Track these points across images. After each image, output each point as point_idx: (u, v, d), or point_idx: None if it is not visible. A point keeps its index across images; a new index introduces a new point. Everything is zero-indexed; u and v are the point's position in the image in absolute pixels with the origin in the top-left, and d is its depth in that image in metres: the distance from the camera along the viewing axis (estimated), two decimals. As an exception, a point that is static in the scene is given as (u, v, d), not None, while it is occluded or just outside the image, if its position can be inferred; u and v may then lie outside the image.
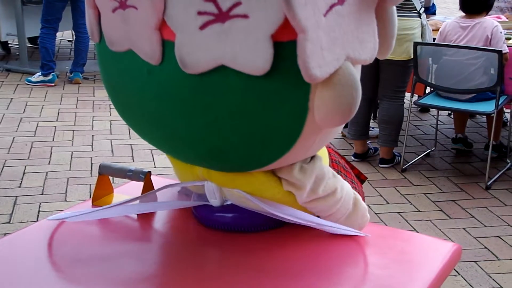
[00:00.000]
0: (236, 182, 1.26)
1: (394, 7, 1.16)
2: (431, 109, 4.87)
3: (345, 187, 1.31)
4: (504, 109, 4.17)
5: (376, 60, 1.27)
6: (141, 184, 1.43)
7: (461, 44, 3.69)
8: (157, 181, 1.47)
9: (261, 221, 1.33)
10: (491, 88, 3.56)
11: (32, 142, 4.14)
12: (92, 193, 1.49)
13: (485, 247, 2.94)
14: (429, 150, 4.19)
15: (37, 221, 2.90)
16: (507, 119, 4.56)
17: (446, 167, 3.96)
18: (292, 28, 0.97)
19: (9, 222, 3.03)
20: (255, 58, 1.00)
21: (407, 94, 4.07)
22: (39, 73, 5.49)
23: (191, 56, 1.03)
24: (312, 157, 1.27)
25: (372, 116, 4.41)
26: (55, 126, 4.47)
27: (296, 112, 1.08)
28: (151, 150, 3.99)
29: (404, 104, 3.93)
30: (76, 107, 4.94)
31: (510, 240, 3.02)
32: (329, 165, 1.41)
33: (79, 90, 5.39)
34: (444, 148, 4.28)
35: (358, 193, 1.40)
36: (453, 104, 3.76)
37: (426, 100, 3.88)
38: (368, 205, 1.42)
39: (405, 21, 3.63)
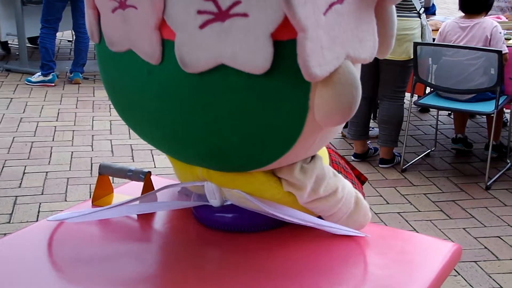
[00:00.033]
0: (236, 182, 1.26)
1: (394, 7, 1.16)
2: (431, 109, 4.87)
3: (346, 186, 1.31)
4: (504, 109, 4.17)
5: (376, 60, 1.27)
6: (141, 184, 1.43)
7: (460, 44, 3.69)
8: (157, 181, 1.47)
9: (261, 221, 1.33)
10: (491, 88, 3.56)
11: (32, 142, 4.14)
12: (92, 193, 1.49)
13: (485, 247, 2.94)
14: (429, 150, 4.19)
15: (37, 221, 2.90)
16: (507, 119, 4.56)
17: (446, 167, 3.96)
18: (292, 27, 0.97)
19: (9, 222, 3.03)
20: (255, 57, 1.00)
21: (407, 94, 4.07)
22: (39, 73, 5.49)
23: (191, 55, 1.03)
24: (313, 157, 1.26)
25: (372, 116, 4.41)
26: (55, 126, 4.47)
27: (296, 111, 1.08)
28: (151, 150, 3.99)
29: (404, 104, 3.93)
30: (76, 107, 4.94)
31: (510, 240, 3.02)
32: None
33: (79, 90, 5.39)
34: (444, 148, 4.28)
35: (359, 193, 1.40)
36: (453, 104, 3.76)
37: (426, 100, 3.88)
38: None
39: (405, 21, 3.63)
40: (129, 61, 1.14)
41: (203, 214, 1.36)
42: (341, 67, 1.04)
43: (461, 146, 4.17)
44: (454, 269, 2.67)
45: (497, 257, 2.86)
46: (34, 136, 4.26)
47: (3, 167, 3.71)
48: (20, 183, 3.49)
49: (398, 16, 1.20)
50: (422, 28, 3.72)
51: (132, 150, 4.05)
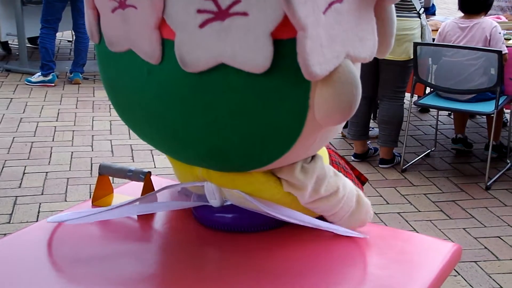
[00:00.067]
0: (235, 183, 1.26)
1: (393, 6, 1.16)
2: (431, 110, 4.87)
3: (347, 185, 1.31)
4: (504, 109, 4.17)
5: (376, 59, 1.27)
6: (141, 184, 1.43)
7: (460, 45, 3.69)
8: (157, 181, 1.47)
9: (261, 221, 1.32)
10: (491, 88, 3.56)
11: (32, 142, 4.14)
12: (92, 193, 1.49)
13: (485, 247, 2.94)
14: (429, 151, 4.19)
15: (37, 221, 2.90)
16: (507, 119, 4.56)
17: (446, 167, 3.96)
18: (291, 25, 0.97)
19: (9, 222, 3.03)
20: (255, 56, 1.00)
21: (407, 95, 4.07)
22: (39, 73, 5.49)
23: (191, 54, 1.03)
24: (313, 157, 1.26)
25: (372, 117, 4.41)
26: (55, 126, 4.47)
27: (296, 110, 1.08)
28: (151, 150, 3.99)
29: (404, 105, 3.93)
30: (76, 107, 4.94)
31: (510, 240, 3.02)
32: (329, 165, 1.41)
33: (79, 90, 5.39)
34: (444, 148, 4.28)
35: (359, 194, 1.40)
36: (453, 104, 3.77)
37: (426, 101, 3.88)
38: (368, 205, 1.42)
39: (405, 21, 3.63)
40: (129, 61, 1.14)
41: (203, 214, 1.36)
42: (341, 66, 1.04)
43: (461, 146, 4.17)
44: (454, 269, 2.67)
45: (497, 257, 2.86)
46: (34, 136, 4.26)
47: (3, 167, 3.71)
48: (20, 183, 3.49)
49: (398, 16, 1.20)
50: (422, 28, 3.72)
51: (132, 150, 4.05)
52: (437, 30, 3.98)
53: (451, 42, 3.73)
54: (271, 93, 1.06)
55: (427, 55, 3.72)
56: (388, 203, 3.40)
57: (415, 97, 4.06)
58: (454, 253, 1.32)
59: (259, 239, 1.31)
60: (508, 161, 3.99)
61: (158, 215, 1.43)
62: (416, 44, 3.62)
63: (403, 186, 3.64)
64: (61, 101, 5.09)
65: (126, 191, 1.53)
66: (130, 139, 4.22)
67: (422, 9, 3.71)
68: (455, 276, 2.68)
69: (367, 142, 4.06)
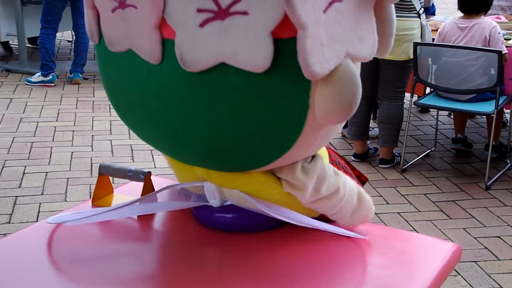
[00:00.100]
0: (235, 183, 1.26)
1: (393, 6, 1.16)
2: (431, 110, 4.87)
3: (347, 183, 1.31)
4: (504, 109, 4.17)
5: (376, 59, 1.28)
6: (141, 184, 1.43)
7: (460, 45, 3.69)
8: (157, 182, 1.47)
9: (261, 221, 1.32)
10: (491, 88, 3.56)
11: (32, 142, 4.14)
12: (92, 193, 1.49)
13: (485, 247, 2.94)
14: (429, 151, 4.19)
15: (37, 221, 2.89)
16: (507, 119, 4.56)
17: (446, 167, 3.96)
18: (292, 24, 0.97)
19: (9, 223, 3.03)
20: (255, 55, 1.00)
21: (407, 95, 4.07)
22: (39, 74, 5.49)
23: (191, 54, 1.03)
24: (313, 157, 1.26)
25: (372, 117, 4.41)
26: (55, 127, 4.47)
27: (297, 109, 1.08)
28: (151, 150, 3.99)
29: (404, 105, 3.93)
30: (76, 108, 4.93)
31: (510, 240, 3.02)
32: (329, 165, 1.41)
33: (79, 90, 5.39)
34: (444, 148, 4.28)
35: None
36: (453, 104, 3.76)
37: (426, 101, 3.88)
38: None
39: (405, 21, 3.63)
40: (129, 61, 1.14)
41: (203, 214, 1.36)
42: (341, 65, 1.04)
43: (461, 146, 4.17)
44: (454, 269, 2.67)
45: (497, 257, 2.86)
46: (34, 136, 4.26)
47: (3, 167, 3.71)
48: (20, 184, 3.49)
49: (397, 16, 1.20)
50: (421, 28, 3.72)
51: (132, 150, 4.05)
52: (437, 30, 3.98)
53: (451, 42, 3.73)
54: (272, 92, 1.06)
55: (427, 55, 3.72)
56: (388, 203, 3.40)
57: (415, 97, 4.06)
58: (454, 253, 1.32)
59: (259, 239, 1.31)
60: (508, 161, 3.99)
61: (158, 215, 1.43)
62: (416, 44, 3.62)
63: (403, 186, 3.64)
64: (61, 101, 5.09)
65: (126, 191, 1.53)
66: (130, 139, 4.22)
67: (422, 9, 3.71)
68: (455, 276, 2.68)
69: (367, 142, 4.06)
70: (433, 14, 5.30)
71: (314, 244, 1.30)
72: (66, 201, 3.28)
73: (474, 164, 4.02)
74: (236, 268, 1.21)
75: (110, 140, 4.22)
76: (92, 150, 4.04)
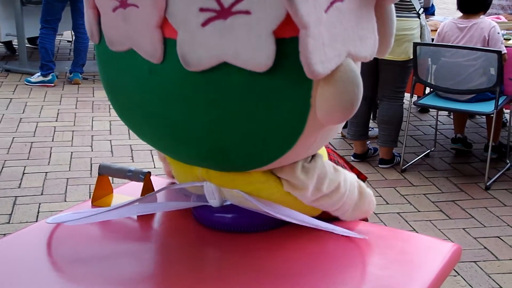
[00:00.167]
0: (235, 182, 1.26)
1: (393, 6, 1.16)
2: (430, 110, 4.87)
3: (348, 179, 1.32)
4: (504, 109, 4.17)
5: (376, 59, 1.28)
6: (140, 184, 1.43)
7: (459, 45, 3.69)
8: (157, 182, 1.47)
9: (261, 221, 1.32)
10: (491, 88, 3.56)
11: (32, 142, 4.14)
12: (91, 194, 1.49)
13: (485, 247, 2.94)
14: (429, 151, 4.19)
15: (36, 221, 2.89)
16: (506, 119, 4.56)
17: (446, 167, 3.96)
18: (294, 24, 0.97)
19: (8, 223, 3.03)
20: (257, 55, 1.00)
21: (407, 95, 4.07)
22: (39, 74, 5.49)
23: (193, 53, 1.03)
24: (313, 156, 1.27)
25: (371, 117, 4.41)
26: (55, 127, 4.47)
27: (298, 109, 1.08)
28: (151, 150, 3.99)
29: (404, 105, 3.93)
30: (76, 108, 4.93)
31: (510, 241, 3.02)
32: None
33: (79, 90, 5.39)
34: (443, 148, 4.28)
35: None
36: (452, 104, 3.76)
37: (426, 101, 3.88)
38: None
39: (404, 21, 3.63)
40: (129, 61, 1.14)
41: (202, 214, 1.36)
42: (343, 65, 1.04)
43: (460, 146, 4.17)
44: (454, 269, 2.67)
45: (496, 257, 2.86)
46: (34, 136, 4.26)
47: (2, 167, 3.71)
48: (20, 184, 3.49)
49: (397, 16, 1.21)
50: (421, 28, 3.72)
51: (131, 150, 4.05)
52: (436, 30, 3.98)
53: (450, 42, 3.73)
54: (273, 92, 1.06)
55: (426, 55, 3.72)
56: (387, 203, 3.40)
57: (415, 97, 4.06)
58: (454, 253, 1.32)
59: (259, 239, 1.31)
60: (508, 161, 3.99)
61: (158, 215, 1.43)
62: (415, 44, 3.62)
63: (402, 186, 3.64)
64: (60, 101, 5.09)
65: (125, 191, 1.53)
66: (129, 139, 4.21)
67: (422, 9, 3.71)
68: (455, 276, 2.68)
69: (367, 142, 4.06)
70: (433, 14, 5.30)
71: (314, 244, 1.30)
72: (65, 201, 3.28)
73: (474, 164, 4.02)
74: (236, 268, 1.21)
75: (110, 140, 4.22)
76: (92, 150, 4.04)
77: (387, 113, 3.84)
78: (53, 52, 5.63)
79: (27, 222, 3.03)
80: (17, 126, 4.44)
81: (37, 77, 5.49)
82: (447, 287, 2.60)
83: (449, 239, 2.99)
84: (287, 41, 1.00)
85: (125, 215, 1.40)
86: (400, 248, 1.32)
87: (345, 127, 4.05)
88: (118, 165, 1.48)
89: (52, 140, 4.19)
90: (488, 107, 3.63)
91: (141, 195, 1.41)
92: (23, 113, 4.75)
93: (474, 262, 2.81)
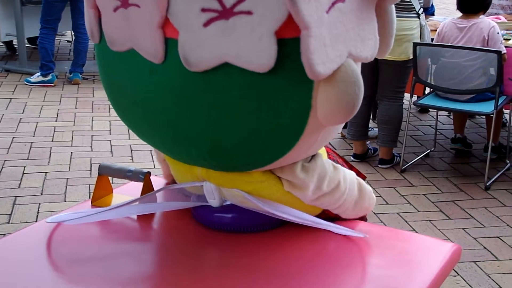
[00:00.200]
0: (235, 182, 1.26)
1: (393, 6, 1.16)
2: (430, 110, 4.87)
3: (347, 177, 1.32)
4: (504, 109, 4.17)
5: (375, 60, 1.28)
6: (140, 184, 1.43)
7: (459, 45, 3.69)
8: (157, 182, 1.47)
9: (261, 221, 1.33)
10: (490, 88, 3.56)
11: (31, 142, 4.14)
12: (91, 194, 1.49)
13: (485, 248, 2.94)
14: (429, 151, 4.19)
15: (36, 221, 2.89)
16: (506, 119, 4.56)
17: (446, 167, 3.96)
18: (295, 25, 0.97)
19: (8, 223, 3.03)
20: (259, 55, 1.00)
21: (407, 95, 4.07)
22: (38, 74, 5.49)
23: (195, 53, 1.03)
24: (313, 156, 1.27)
25: (371, 117, 4.41)
26: (55, 127, 4.47)
27: (299, 109, 1.08)
28: (151, 150, 3.99)
29: (404, 105, 3.93)
30: (76, 108, 4.93)
31: (510, 241, 3.02)
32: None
33: (79, 90, 5.39)
34: (443, 148, 4.28)
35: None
36: (452, 104, 3.76)
37: (426, 101, 3.88)
38: (367, 205, 1.42)
39: (404, 21, 3.63)
40: (130, 61, 1.14)
41: (202, 214, 1.36)
42: (344, 65, 1.05)
43: (460, 146, 4.17)
44: (454, 269, 2.67)
45: (496, 258, 2.86)
46: (34, 136, 4.26)
47: (2, 167, 3.70)
48: (20, 184, 3.48)
49: (397, 16, 1.21)
50: (421, 28, 3.72)
51: (131, 150, 4.05)
52: (436, 30, 3.98)
53: (449, 42, 3.73)
54: (275, 93, 1.06)
55: (426, 55, 3.72)
56: (387, 203, 3.40)
57: (415, 97, 4.06)
58: (454, 253, 1.32)
59: (259, 239, 1.31)
60: (508, 161, 3.99)
61: (158, 215, 1.43)
62: (415, 44, 3.62)
63: (402, 186, 3.64)
64: (60, 101, 5.08)
65: (125, 191, 1.53)
66: (129, 139, 4.21)
67: (422, 9, 3.71)
68: (455, 276, 2.68)
69: (367, 142, 4.06)
70: (433, 14, 5.30)
71: (314, 244, 1.30)
72: (65, 201, 3.28)
73: (474, 164, 4.02)
74: (236, 268, 1.21)
75: (110, 140, 4.22)
76: (92, 150, 4.04)
77: (387, 113, 3.84)
78: (53, 52, 5.63)
79: (27, 222, 3.02)
80: (17, 126, 4.44)
81: (37, 77, 5.49)
82: (447, 287, 2.60)
83: (449, 239, 2.99)
84: (289, 41, 1.00)
85: (125, 215, 1.40)
86: (400, 248, 1.32)
87: (345, 127, 4.05)
88: (118, 165, 1.48)
89: (52, 140, 4.19)
90: (488, 107, 3.63)
91: (141, 195, 1.41)
92: (23, 113, 4.75)
93: (474, 262, 2.81)
